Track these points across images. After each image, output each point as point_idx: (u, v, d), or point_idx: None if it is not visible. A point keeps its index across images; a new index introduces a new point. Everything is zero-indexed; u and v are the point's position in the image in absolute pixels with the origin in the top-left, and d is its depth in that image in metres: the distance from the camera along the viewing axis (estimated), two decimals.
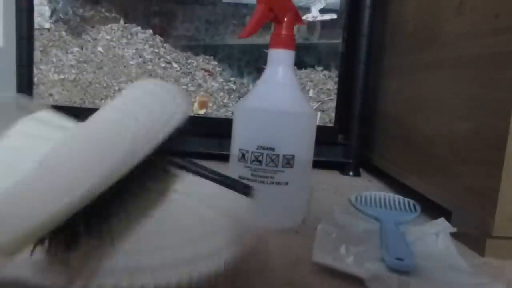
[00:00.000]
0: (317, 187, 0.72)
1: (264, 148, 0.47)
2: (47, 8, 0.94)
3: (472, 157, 0.50)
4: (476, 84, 0.50)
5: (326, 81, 0.92)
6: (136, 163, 0.25)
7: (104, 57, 0.93)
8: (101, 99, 0.92)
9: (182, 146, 0.32)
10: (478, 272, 0.40)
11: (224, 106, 0.93)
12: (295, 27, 0.51)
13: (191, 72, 0.93)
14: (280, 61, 0.50)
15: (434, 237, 0.47)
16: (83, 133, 0.27)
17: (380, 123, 0.88)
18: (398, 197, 0.64)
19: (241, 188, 0.36)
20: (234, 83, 0.94)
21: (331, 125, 0.91)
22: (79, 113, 0.33)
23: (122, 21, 0.95)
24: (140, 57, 0.93)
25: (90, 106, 0.92)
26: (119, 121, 0.27)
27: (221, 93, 0.93)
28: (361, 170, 0.92)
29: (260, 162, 0.48)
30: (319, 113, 0.91)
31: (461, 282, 0.37)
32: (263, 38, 0.85)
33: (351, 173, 0.89)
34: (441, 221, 0.50)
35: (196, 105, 0.91)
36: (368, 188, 0.78)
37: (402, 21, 0.81)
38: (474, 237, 0.47)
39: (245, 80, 0.94)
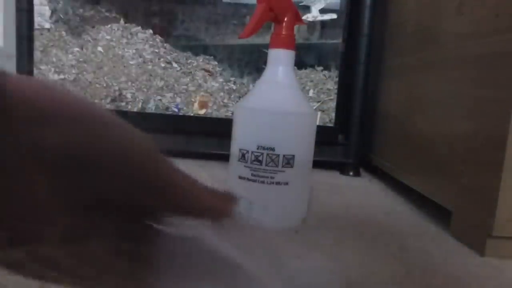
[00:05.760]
0: (317, 187, 0.72)
1: (264, 148, 0.47)
2: (47, 8, 0.94)
3: (472, 157, 0.50)
4: (476, 84, 0.50)
5: (326, 81, 0.92)
6: None
7: (104, 57, 0.93)
8: (101, 99, 0.92)
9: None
10: None
11: (224, 106, 0.92)
12: (295, 27, 0.51)
13: (191, 72, 0.93)
14: (280, 61, 0.50)
15: None
16: None
17: (380, 123, 0.88)
18: None
19: None
20: (234, 83, 0.94)
21: (331, 125, 0.91)
22: None
23: (122, 21, 0.95)
24: (140, 57, 0.93)
25: None
26: None
27: (221, 93, 0.93)
28: (361, 170, 0.92)
29: (260, 162, 0.48)
30: (319, 113, 0.91)
31: None
32: (263, 38, 0.85)
33: (351, 173, 0.89)
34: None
35: (196, 105, 0.91)
36: (368, 188, 0.79)
37: (402, 21, 0.81)
38: (474, 237, 0.47)
39: (245, 80, 0.94)
